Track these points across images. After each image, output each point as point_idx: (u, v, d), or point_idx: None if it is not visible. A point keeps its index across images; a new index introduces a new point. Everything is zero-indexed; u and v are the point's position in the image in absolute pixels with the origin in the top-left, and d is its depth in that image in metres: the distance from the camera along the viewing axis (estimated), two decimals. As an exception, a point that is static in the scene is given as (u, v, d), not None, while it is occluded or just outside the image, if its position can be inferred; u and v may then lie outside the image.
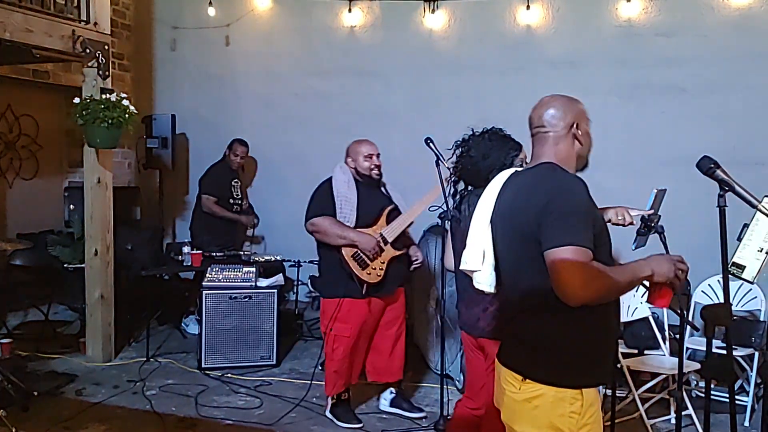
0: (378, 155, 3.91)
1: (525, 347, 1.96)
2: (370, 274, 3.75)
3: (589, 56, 5.47)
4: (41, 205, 6.31)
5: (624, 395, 4.05)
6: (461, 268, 2.29)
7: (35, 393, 4.14)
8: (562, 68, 5.49)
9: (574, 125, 2.03)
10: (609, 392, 3.50)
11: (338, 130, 6.24)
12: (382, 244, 3.77)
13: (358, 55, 6.16)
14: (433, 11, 5.86)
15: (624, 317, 4.17)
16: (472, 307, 2.90)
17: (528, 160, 2.98)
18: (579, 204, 1.83)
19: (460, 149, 3.02)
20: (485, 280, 2.19)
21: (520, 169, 2.22)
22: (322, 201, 3.84)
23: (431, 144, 3.65)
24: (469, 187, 3.03)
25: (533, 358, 1.93)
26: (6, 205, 6.01)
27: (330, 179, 3.92)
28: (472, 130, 3.06)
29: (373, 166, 3.87)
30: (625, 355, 4.12)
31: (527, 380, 1.91)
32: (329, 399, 4.02)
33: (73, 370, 4.77)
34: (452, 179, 3.10)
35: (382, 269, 3.77)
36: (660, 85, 5.30)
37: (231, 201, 5.96)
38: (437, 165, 3.60)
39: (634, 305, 4.21)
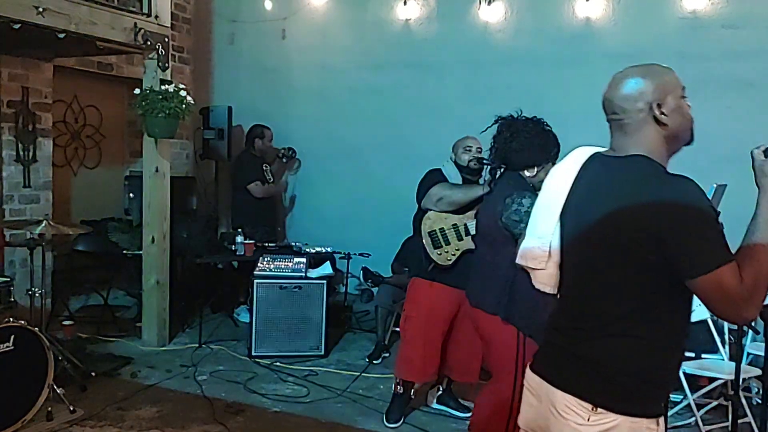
0: (479, 149, 3.86)
1: (598, 372, 1.68)
2: (440, 255, 3.69)
3: (651, 49, 5.28)
4: (103, 192, 6.52)
5: (679, 400, 3.92)
6: (519, 262, 1.95)
7: (93, 373, 4.30)
8: (622, 62, 5.21)
9: (654, 105, 1.69)
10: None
11: (392, 124, 6.24)
12: (462, 231, 3.74)
13: (413, 49, 6.13)
14: (489, 3, 5.78)
15: (681, 319, 4.02)
16: (474, 277, 2.97)
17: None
18: (709, 212, 1.57)
19: (503, 132, 2.99)
20: (550, 281, 1.87)
21: (602, 150, 1.84)
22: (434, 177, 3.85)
23: None
24: (502, 168, 3.03)
25: (609, 385, 1.67)
26: (71, 192, 6.24)
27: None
28: (519, 112, 3.03)
29: (471, 158, 3.83)
30: (681, 359, 3.98)
31: (599, 409, 1.65)
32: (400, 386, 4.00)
33: (129, 353, 4.92)
34: (490, 159, 3.10)
35: (454, 255, 3.70)
36: (725, 80, 5.09)
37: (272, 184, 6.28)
38: None
39: (692, 307, 4.05)
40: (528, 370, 1.87)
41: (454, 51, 5.96)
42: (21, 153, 5.19)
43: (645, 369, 1.67)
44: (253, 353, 4.93)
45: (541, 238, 1.84)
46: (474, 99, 5.80)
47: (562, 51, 5.57)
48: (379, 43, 6.28)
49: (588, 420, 1.66)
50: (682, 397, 3.87)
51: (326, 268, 5.15)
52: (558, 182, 1.84)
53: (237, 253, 5.46)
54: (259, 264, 5.06)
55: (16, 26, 3.97)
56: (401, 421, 3.92)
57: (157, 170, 5.05)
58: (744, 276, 1.51)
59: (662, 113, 1.71)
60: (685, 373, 3.82)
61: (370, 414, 4.01)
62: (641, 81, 1.73)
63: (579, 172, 1.80)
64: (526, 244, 1.89)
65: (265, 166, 6.25)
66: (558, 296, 1.87)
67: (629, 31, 5.38)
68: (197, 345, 5.16)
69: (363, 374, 4.65)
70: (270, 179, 6.24)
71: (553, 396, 1.73)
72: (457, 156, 3.87)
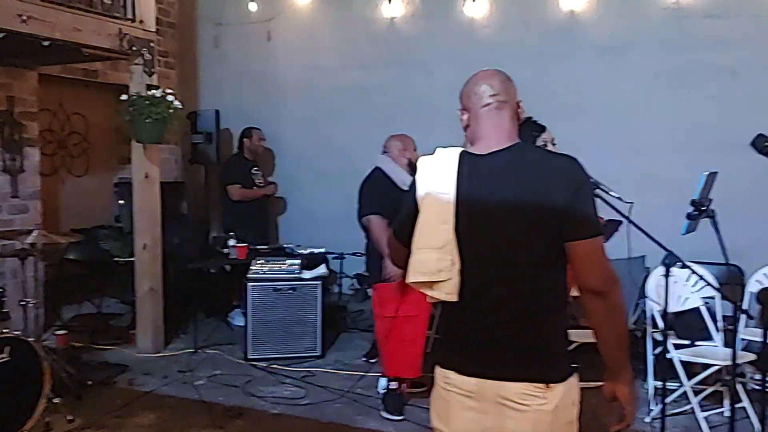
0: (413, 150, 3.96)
1: (548, 352, 1.78)
2: None
3: (635, 41, 5.33)
4: (92, 200, 6.47)
5: (676, 387, 3.95)
6: (414, 280, 1.81)
7: (89, 382, 4.28)
8: (607, 54, 5.36)
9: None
10: (659, 384, 3.41)
11: (380, 123, 6.22)
12: None
13: (399, 47, 6.14)
14: (474, -1, 5.79)
15: (675, 307, 4.05)
16: None
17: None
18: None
19: None
20: (455, 289, 1.78)
21: (470, 148, 1.86)
22: (379, 193, 3.96)
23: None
24: None
25: (554, 359, 1.79)
26: (59, 201, 6.19)
27: (377, 171, 3.95)
28: None
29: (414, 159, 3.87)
30: (677, 346, 4.01)
31: (551, 385, 1.73)
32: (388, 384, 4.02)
33: (124, 360, 4.90)
34: None
35: None
36: (710, 69, 5.13)
37: (255, 188, 6.15)
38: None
39: (686, 295, 4.09)
40: (455, 376, 1.81)
41: (441, 48, 5.97)
42: (8, 163, 5.14)
43: (565, 335, 1.82)
44: (249, 356, 4.92)
45: (440, 248, 1.77)
46: (462, 95, 5.81)
47: (548, 45, 5.58)
48: (365, 41, 6.28)
49: (546, 398, 1.72)
50: (678, 384, 3.90)
51: (320, 269, 5.15)
52: (438, 191, 1.80)
53: (230, 257, 5.45)
54: (252, 267, 5.04)
55: (0, 35, 3.93)
56: (403, 413, 3.92)
57: (146, 176, 5.03)
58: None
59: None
60: (680, 361, 3.85)
61: (370, 413, 4.01)
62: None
63: (464, 174, 1.79)
64: (422, 259, 1.79)
65: (255, 170, 6.22)
66: (461, 300, 1.79)
67: (613, 22, 5.41)
68: (193, 350, 5.14)
69: (361, 373, 4.64)
70: (260, 182, 6.20)
71: (503, 391, 1.75)
72: (410, 153, 3.96)
